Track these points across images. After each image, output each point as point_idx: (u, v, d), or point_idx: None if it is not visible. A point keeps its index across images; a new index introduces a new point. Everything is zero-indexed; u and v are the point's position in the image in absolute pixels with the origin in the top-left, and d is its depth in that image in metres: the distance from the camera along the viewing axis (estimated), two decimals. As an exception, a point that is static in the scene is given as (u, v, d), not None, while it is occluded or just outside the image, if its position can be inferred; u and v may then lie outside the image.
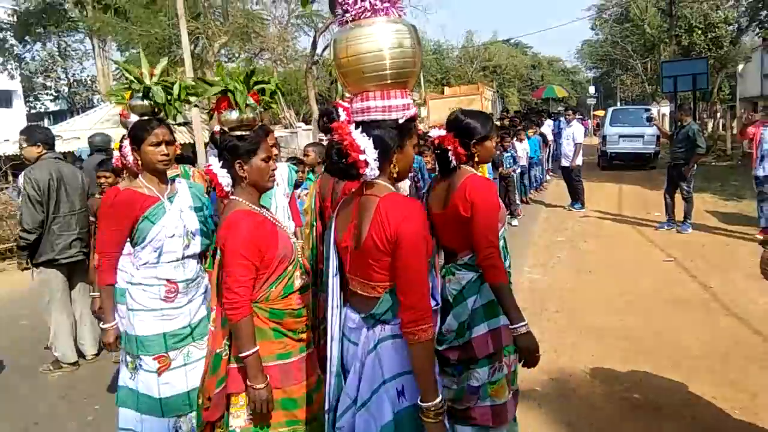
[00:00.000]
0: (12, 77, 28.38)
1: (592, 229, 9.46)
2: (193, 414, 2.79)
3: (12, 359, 5.07)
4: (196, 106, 11.57)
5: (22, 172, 4.68)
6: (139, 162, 2.84)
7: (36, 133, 4.80)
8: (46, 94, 35.28)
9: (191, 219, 2.88)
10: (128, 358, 2.87)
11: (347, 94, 2.07)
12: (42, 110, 38.86)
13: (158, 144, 2.79)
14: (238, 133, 2.57)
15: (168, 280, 2.81)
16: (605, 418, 3.60)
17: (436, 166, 2.70)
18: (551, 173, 16.16)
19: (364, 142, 1.87)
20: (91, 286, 4.78)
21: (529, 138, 12.63)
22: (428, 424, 1.87)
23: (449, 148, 2.55)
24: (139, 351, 2.79)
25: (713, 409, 3.63)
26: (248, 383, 2.24)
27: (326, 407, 2.10)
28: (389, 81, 1.89)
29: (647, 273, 6.73)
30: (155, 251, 2.79)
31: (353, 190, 2.08)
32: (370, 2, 1.84)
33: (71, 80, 33.99)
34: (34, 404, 4.23)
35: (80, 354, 4.93)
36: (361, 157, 1.86)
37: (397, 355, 1.96)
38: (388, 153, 1.93)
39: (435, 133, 2.63)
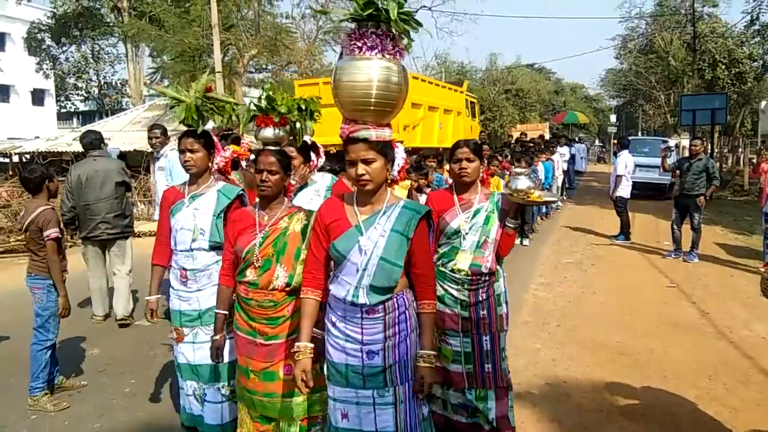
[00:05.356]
0: (47, 76, 29.44)
1: (602, 253, 9.70)
2: (217, 385, 3.27)
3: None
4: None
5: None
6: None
7: (82, 138, 6.04)
8: (77, 94, 36.13)
9: (203, 219, 3.29)
10: None
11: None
12: (72, 110, 39.88)
13: (182, 151, 3.30)
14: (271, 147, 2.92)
15: (182, 267, 3.32)
16: (591, 420, 3.89)
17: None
18: (565, 199, 16.43)
19: None
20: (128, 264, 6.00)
21: (543, 162, 12.96)
22: None
23: None
24: (172, 321, 3.38)
25: (694, 420, 3.91)
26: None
27: None
28: (373, 108, 2.26)
29: (649, 296, 6.99)
30: (173, 240, 3.33)
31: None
32: (366, 44, 2.23)
33: (102, 82, 34.77)
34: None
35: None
36: None
37: None
38: None
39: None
